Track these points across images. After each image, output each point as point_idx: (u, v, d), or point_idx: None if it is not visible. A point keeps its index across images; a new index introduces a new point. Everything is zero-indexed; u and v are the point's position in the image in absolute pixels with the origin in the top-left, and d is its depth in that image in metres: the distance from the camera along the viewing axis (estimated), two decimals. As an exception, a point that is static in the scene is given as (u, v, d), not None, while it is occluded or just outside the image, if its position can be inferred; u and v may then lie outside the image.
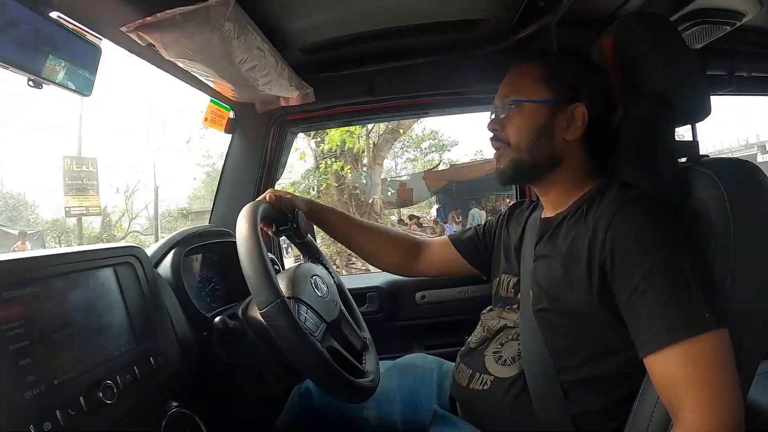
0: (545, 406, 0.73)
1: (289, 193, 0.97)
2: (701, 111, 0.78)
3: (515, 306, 0.83)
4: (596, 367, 0.70)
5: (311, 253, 1.00)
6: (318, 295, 0.84)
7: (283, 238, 1.01)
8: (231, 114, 1.25)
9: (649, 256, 0.62)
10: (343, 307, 0.91)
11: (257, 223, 0.76)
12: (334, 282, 0.94)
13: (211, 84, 1.05)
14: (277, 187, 1.36)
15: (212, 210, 1.27)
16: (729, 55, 1.22)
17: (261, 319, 0.70)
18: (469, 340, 0.89)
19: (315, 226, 1.06)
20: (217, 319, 0.77)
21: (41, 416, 0.51)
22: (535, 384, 0.74)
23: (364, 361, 0.85)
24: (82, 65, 0.79)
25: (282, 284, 0.78)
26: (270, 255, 1.01)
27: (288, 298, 0.75)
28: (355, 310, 0.99)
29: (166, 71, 0.97)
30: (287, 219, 0.92)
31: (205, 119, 1.17)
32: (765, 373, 0.96)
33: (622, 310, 0.64)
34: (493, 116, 0.83)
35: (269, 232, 0.96)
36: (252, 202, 0.81)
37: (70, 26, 0.76)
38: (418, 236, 1.11)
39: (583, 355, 0.71)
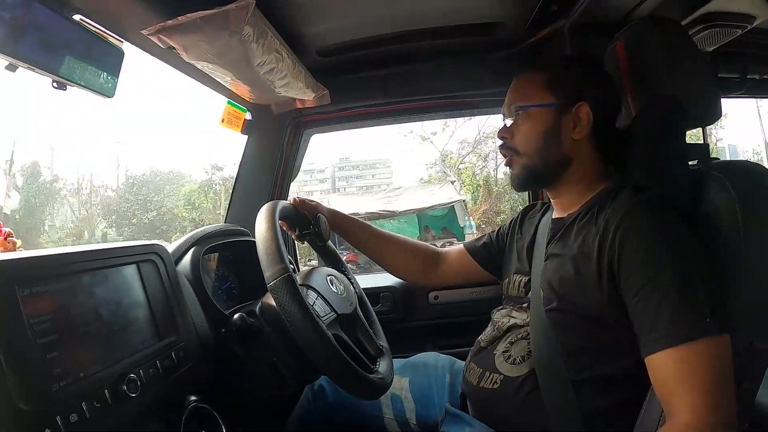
0: (556, 405, 0.74)
1: (314, 201, 1.01)
2: (712, 114, 0.78)
3: (525, 305, 0.84)
4: (607, 366, 0.71)
5: (332, 261, 1.02)
6: (332, 289, 0.85)
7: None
8: (247, 115, 1.26)
9: (656, 258, 0.64)
10: (360, 312, 0.91)
11: (276, 215, 0.79)
12: (354, 291, 0.94)
13: (228, 86, 1.07)
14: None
15: (228, 210, 1.29)
16: (741, 58, 1.22)
17: (276, 310, 0.70)
18: (479, 339, 0.90)
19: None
20: (236, 316, 0.78)
21: (68, 408, 0.52)
22: (545, 383, 0.75)
23: (377, 364, 0.85)
24: (105, 67, 0.81)
25: (297, 276, 0.79)
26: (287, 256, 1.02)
27: (300, 284, 0.76)
28: (373, 319, 0.99)
29: (185, 73, 0.99)
30: (309, 223, 0.95)
31: (222, 120, 1.18)
32: None
33: (628, 309, 0.66)
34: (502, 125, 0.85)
35: (292, 235, 1.00)
36: (274, 201, 0.84)
37: (93, 29, 0.79)
38: (436, 247, 1.14)
39: (594, 354, 0.72)
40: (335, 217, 1.05)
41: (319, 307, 0.78)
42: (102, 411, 0.56)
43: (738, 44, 1.10)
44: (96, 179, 19.90)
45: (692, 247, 0.65)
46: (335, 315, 0.81)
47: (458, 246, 1.10)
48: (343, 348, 0.73)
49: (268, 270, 0.70)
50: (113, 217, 17.83)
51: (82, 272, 0.62)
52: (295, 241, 1.13)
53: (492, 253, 1.03)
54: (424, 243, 1.15)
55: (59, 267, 0.60)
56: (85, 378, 0.56)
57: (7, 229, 0.92)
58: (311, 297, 0.79)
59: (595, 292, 0.69)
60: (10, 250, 0.89)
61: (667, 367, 0.61)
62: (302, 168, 1.43)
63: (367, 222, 1.14)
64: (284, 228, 1.00)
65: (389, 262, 1.09)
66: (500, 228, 1.04)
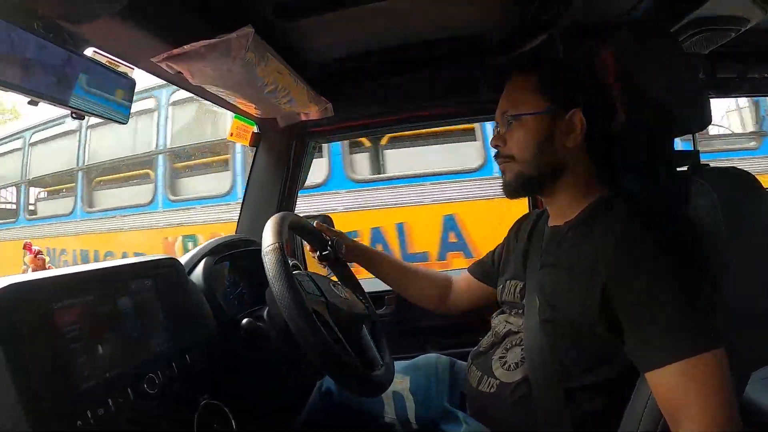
0: (546, 410, 0.76)
1: (339, 231, 1.09)
2: (702, 120, 0.78)
3: (521, 311, 0.85)
4: (597, 373, 0.72)
5: (353, 287, 1.02)
6: (332, 288, 0.85)
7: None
8: (255, 128, 1.32)
9: (656, 272, 0.64)
10: (364, 327, 0.91)
11: (286, 219, 0.84)
12: (366, 309, 0.93)
13: (235, 103, 1.12)
14: None
15: (239, 220, 1.34)
16: (740, 58, 1.20)
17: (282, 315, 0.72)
18: (480, 342, 0.93)
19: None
20: (244, 321, 0.84)
21: (96, 404, 0.59)
22: (537, 389, 0.77)
23: (375, 372, 0.82)
24: (119, 95, 0.87)
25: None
26: (293, 260, 1.08)
27: (295, 270, 0.79)
28: (382, 343, 0.98)
29: (194, 93, 1.05)
30: (326, 245, 1.02)
31: (231, 134, 1.24)
32: (765, 379, 0.97)
33: (624, 323, 0.66)
34: (495, 132, 0.86)
35: (313, 256, 1.07)
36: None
37: (105, 60, 0.85)
38: (448, 273, 1.18)
39: (586, 363, 0.73)
40: (356, 248, 1.10)
41: (308, 286, 0.80)
42: (125, 406, 0.63)
43: (737, 44, 1.08)
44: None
45: (693, 260, 0.65)
46: (324, 300, 0.80)
47: (464, 272, 1.13)
48: (323, 325, 0.72)
49: (264, 241, 0.76)
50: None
51: (106, 285, 0.70)
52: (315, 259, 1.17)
53: (491, 269, 1.04)
54: (439, 272, 1.20)
55: (86, 283, 0.68)
56: (110, 378, 0.64)
57: (37, 248, 1.02)
58: (303, 276, 0.82)
59: (589, 305, 0.69)
60: (40, 267, 1.00)
61: (672, 382, 0.60)
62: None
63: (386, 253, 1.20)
64: (307, 248, 1.09)
65: (409, 291, 1.15)
66: (498, 245, 1.06)
